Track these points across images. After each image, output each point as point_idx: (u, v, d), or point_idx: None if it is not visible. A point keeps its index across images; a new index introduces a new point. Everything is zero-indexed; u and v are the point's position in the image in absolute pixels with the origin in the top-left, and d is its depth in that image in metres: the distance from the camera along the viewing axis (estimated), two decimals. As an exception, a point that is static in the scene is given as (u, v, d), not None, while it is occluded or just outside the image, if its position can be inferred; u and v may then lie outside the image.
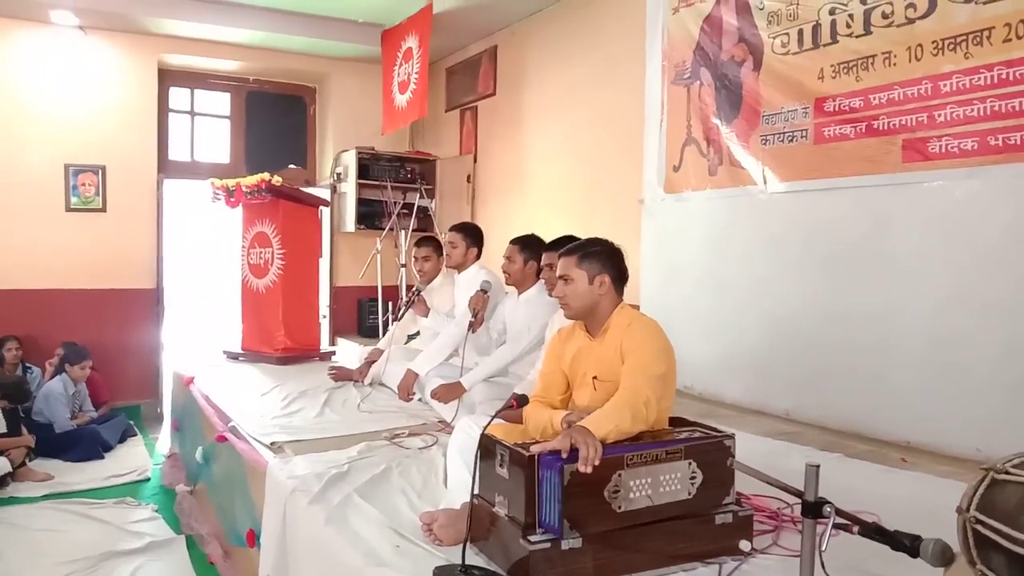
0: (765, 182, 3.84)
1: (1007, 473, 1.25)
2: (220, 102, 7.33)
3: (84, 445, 5.32)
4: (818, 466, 1.52)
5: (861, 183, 3.36)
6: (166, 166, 6.84)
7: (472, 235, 4.08)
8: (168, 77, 6.91)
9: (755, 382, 3.93)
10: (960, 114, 2.98)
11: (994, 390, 2.91)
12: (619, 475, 1.87)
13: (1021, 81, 2.78)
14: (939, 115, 3.05)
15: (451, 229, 4.15)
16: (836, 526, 1.58)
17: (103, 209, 6.41)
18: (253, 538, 2.93)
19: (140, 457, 5.43)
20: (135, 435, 5.92)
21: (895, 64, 3.21)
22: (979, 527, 1.22)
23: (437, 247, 4.41)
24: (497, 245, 3.77)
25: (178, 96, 7.09)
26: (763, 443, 3.13)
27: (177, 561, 3.72)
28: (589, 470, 1.79)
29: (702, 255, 4.26)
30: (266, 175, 5.01)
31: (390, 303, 6.26)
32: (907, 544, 1.52)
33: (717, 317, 4.14)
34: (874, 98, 3.28)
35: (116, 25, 6.24)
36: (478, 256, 4.10)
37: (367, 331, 6.97)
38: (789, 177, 3.71)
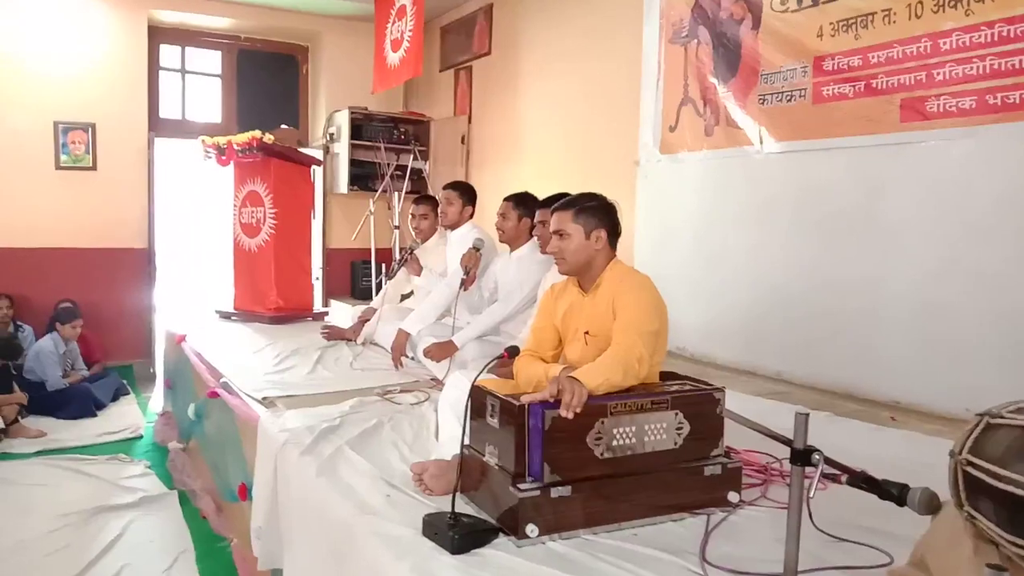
0: (761, 142, 3.81)
1: (1002, 417, 1.25)
2: (211, 60, 7.23)
3: (77, 403, 5.32)
4: (807, 414, 1.52)
5: (858, 143, 3.33)
6: (157, 124, 6.76)
7: (468, 194, 4.07)
8: (159, 34, 6.80)
9: (747, 345, 3.94)
10: (959, 72, 2.95)
11: (985, 357, 2.91)
12: (602, 422, 1.89)
13: (1022, 38, 2.75)
14: (938, 74, 3.02)
15: (446, 187, 4.13)
16: (824, 476, 1.59)
17: (93, 167, 6.34)
18: (245, 492, 2.95)
19: (133, 415, 5.44)
20: (128, 394, 5.94)
21: (895, 22, 3.17)
22: (970, 469, 1.23)
23: (435, 206, 4.39)
24: (492, 207, 3.75)
25: (169, 54, 6.99)
26: (754, 402, 3.14)
27: (170, 516, 3.75)
28: (570, 416, 1.81)
29: (697, 217, 4.24)
30: (257, 133, 4.96)
31: (383, 265, 6.24)
32: (894, 493, 1.53)
33: (710, 279, 4.13)
34: (873, 57, 3.25)
35: (104, -21, 6.13)
36: (472, 215, 4.08)
37: (360, 293, 6.96)
38: (786, 137, 3.68)
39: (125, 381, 6.09)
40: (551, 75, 5.62)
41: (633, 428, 1.94)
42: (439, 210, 4.15)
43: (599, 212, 2.31)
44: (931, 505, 1.47)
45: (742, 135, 3.91)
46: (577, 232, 2.28)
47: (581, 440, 1.88)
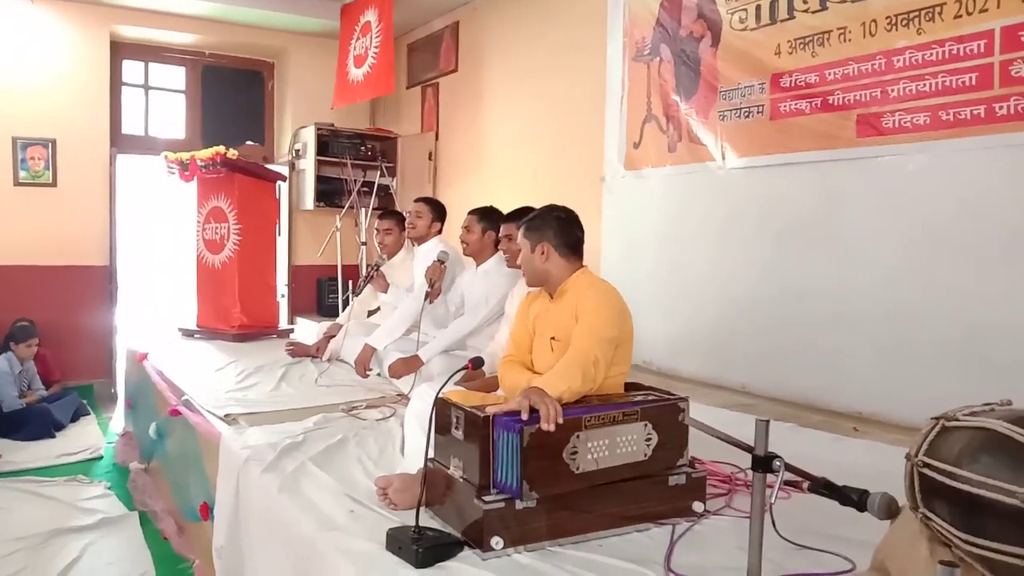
0: (723, 158, 3.86)
1: (957, 420, 1.27)
2: (175, 76, 7.16)
3: (34, 424, 5.19)
4: (768, 421, 1.54)
5: (816, 158, 3.40)
6: (119, 140, 6.67)
7: (438, 210, 4.09)
8: (121, 50, 6.73)
9: (712, 356, 3.97)
10: (913, 89, 3.02)
11: (944, 362, 2.96)
12: (577, 436, 1.89)
13: (971, 56, 2.83)
14: (892, 90, 3.09)
15: (418, 200, 4.16)
16: (786, 483, 1.60)
17: (53, 184, 6.22)
18: (207, 511, 2.90)
19: (93, 436, 5.32)
20: (88, 414, 5.79)
21: (850, 40, 3.24)
22: (925, 471, 1.25)
23: (400, 221, 4.39)
24: (459, 222, 3.75)
25: (132, 69, 6.91)
26: (718, 413, 3.16)
27: (130, 537, 3.66)
28: (553, 428, 1.81)
29: (661, 232, 4.29)
30: (221, 148, 4.92)
31: (350, 282, 6.19)
32: (854, 498, 1.55)
33: (676, 293, 4.17)
34: (829, 73, 3.32)
35: (65, -6, 6.06)
36: (440, 231, 4.08)
37: (327, 310, 6.89)
38: (746, 153, 3.74)
39: (85, 401, 5.94)
40: (518, 92, 5.66)
41: (606, 441, 1.94)
42: (407, 222, 4.14)
43: (542, 227, 2.36)
44: (890, 509, 1.49)
45: (704, 151, 3.97)
46: (524, 245, 2.37)
47: (558, 456, 1.86)
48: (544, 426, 1.80)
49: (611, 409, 1.97)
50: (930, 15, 2.95)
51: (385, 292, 4.22)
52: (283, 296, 6.88)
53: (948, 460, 1.21)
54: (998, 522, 1.13)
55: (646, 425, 2.00)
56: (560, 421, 1.82)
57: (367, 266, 5.43)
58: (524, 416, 1.82)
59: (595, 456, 1.92)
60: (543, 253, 2.33)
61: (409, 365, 3.48)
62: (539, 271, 2.35)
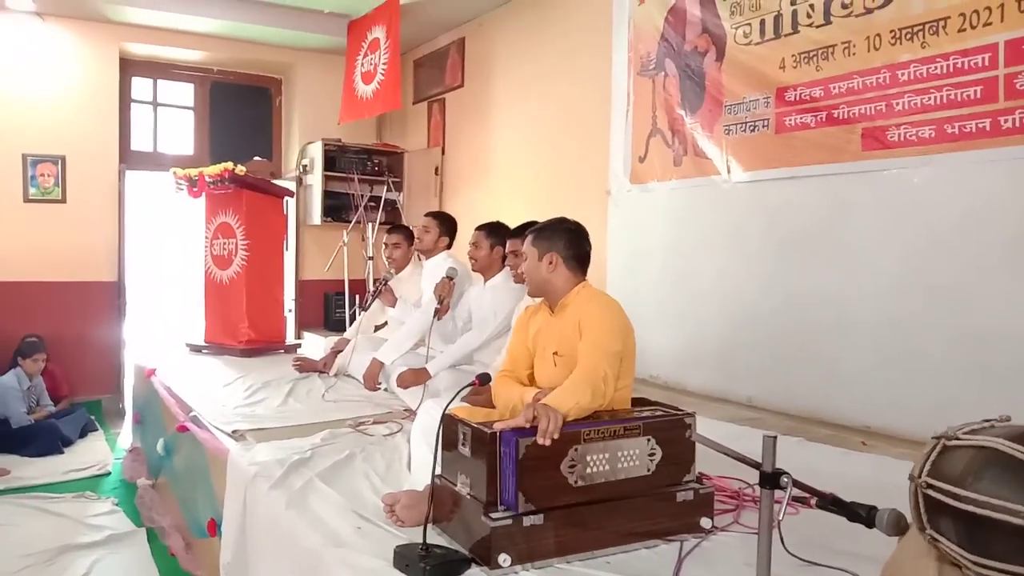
0: (729, 172, 3.87)
1: (958, 439, 1.26)
2: (184, 93, 7.22)
3: (42, 440, 5.20)
4: (775, 437, 1.53)
5: (822, 171, 3.40)
6: (128, 157, 6.72)
7: (446, 224, 4.09)
8: (130, 67, 6.79)
9: (718, 371, 3.97)
10: (917, 103, 3.03)
11: (948, 374, 2.96)
12: (576, 449, 1.89)
13: (975, 70, 2.84)
14: (897, 104, 3.10)
15: (427, 214, 4.18)
16: (794, 499, 1.60)
17: (63, 200, 6.27)
18: (214, 527, 2.90)
19: (100, 452, 5.33)
20: (96, 430, 5.80)
21: (854, 54, 3.26)
22: (930, 492, 1.24)
23: (408, 235, 4.41)
24: (466, 237, 3.77)
25: (141, 86, 6.97)
26: (725, 428, 3.15)
27: (137, 554, 3.66)
28: (547, 442, 1.81)
29: (667, 245, 4.29)
30: (229, 164, 4.95)
31: (357, 296, 6.21)
32: (863, 515, 1.55)
33: (682, 307, 4.16)
34: (834, 87, 3.33)
35: (75, 12, 6.11)
36: (448, 246, 4.10)
37: (334, 325, 6.90)
38: (752, 166, 3.75)
39: (93, 417, 5.96)
40: (523, 107, 5.69)
41: (606, 455, 1.94)
42: (416, 236, 4.16)
43: (552, 237, 2.35)
44: (899, 526, 1.48)
45: (710, 165, 3.97)
46: (532, 255, 2.35)
47: (555, 468, 1.87)
48: (540, 440, 1.81)
49: (611, 423, 1.97)
50: (934, 29, 2.96)
51: (393, 306, 4.23)
52: (290, 311, 6.90)
53: (951, 480, 1.20)
54: (1004, 541, 1.13)
55: (649, 440, 1.99)
56: (556, 436, 1.82)
57: (375, 281, 5.45)
58: (525, 426, 1.83)
59: (594, 470, 1.92)
60: (551, 263, 2.31)
61: (418, 376, 3.48)
62: (543, 281, 2.34)
